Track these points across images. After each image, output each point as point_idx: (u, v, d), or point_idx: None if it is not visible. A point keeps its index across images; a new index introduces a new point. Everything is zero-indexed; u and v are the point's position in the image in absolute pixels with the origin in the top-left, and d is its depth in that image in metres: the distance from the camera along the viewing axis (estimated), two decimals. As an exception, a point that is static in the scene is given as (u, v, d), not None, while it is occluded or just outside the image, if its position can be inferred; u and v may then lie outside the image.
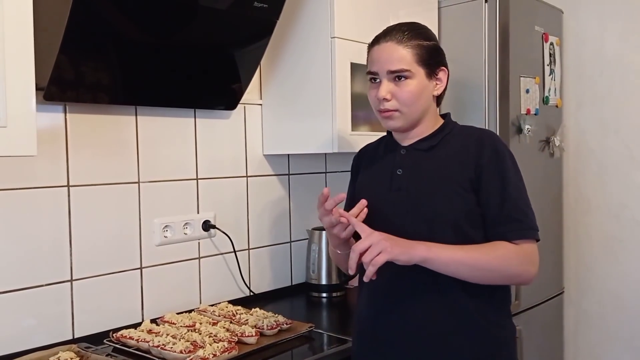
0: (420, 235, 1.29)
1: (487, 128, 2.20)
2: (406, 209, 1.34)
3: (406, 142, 1.41)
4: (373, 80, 1.37)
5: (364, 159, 1.53)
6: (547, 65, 2.50)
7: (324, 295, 2.17)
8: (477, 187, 1.31)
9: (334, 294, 2.18)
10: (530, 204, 1.34)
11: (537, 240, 1.32)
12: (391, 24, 1.40)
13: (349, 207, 1.53)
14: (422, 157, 1.37)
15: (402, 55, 1.32)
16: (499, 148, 1.33)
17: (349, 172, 1.59)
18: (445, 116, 1.45)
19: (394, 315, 1.34)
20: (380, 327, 1.37)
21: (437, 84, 1.38)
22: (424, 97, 1.35)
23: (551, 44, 2.52)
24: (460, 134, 1.39)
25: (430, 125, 1.40)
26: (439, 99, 1.42)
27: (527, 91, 2.35)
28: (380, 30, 1.39)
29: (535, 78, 2.40)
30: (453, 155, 1.34)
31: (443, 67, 1.39)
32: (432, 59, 1.35)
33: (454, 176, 1.32)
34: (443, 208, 1.31)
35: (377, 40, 1.37)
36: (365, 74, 1.42)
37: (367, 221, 1.40)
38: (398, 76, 1.32)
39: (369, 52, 1.39)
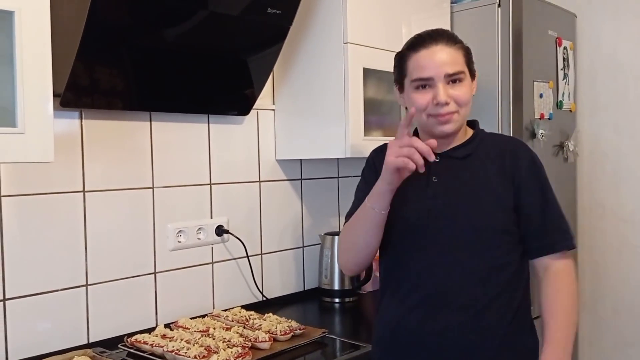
0: (455, 244, 1.29)
1: (501, 133, 2.20)
2: (442, 218, 1.32)
3: (438, 149, 1.35)
4: (422, 87, 1.32)
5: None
6: (561, 69, 2.49)
7: (337, 300, 2.17)
8: (516, 200, 1.31)
9: (347, 300, 2.17)
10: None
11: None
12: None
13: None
14: (457, 165, 1.36)
15: (456, 57, 1.32)
16: (535, 160, 1.36)
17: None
18: (474, 123, 1.43)
19: (416, 322, 1.33)
20: (402, 333, 1.36)
21: (473, 86, 1.39)
22: (471, 98, 1.36)
23: (565, 48, 2.51)
24: (492, 142, 1.39)
25: (463, 130, 1.39)
26: None
27: (541, 96, 2.34)
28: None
29: (548, 82, 2.39)
30: (489, 166, 1.34)
31: (475, 70, 1.40)
32: (472, 60, 1.38)
33: (492, 188, 1.32)
34: (481, 219, 1.30)
35: (422, 44, 1.32)
36: (389, 79, 1.41)
37: (400, 228, 1.38)
38: (455, 78, 1.31)
39: (410, 57, 1.34)
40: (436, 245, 1.32)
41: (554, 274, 1.33)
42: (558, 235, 1.34)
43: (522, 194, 1.32)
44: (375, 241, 1.38)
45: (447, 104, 1.30)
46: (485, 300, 1.29)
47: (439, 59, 1.30)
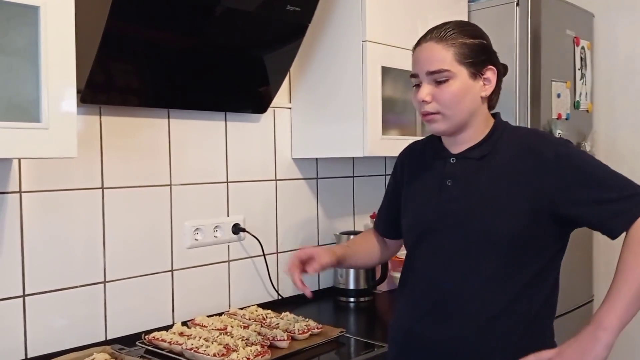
0: (468, 249, 1.25)
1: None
2: (456, 223, 1.27)
3: (455, 149, 1.32)
4: (416, 85, 1.30)
5: (410, 161, 1.46)
6: (578, 69, 2.47)
7: (352, 300, 2.16)
8: (553, 202, 1.21)
9: (362, 299, 2.16)
10: (622, 174, 1.22)
11: None
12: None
13: (386, 208, 1.54)
14: (473, 166, 1.28)
15: (441, 55, 1.24)
16: (560, 151, 1.23)
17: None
18: (495, 116, 1.35)
19: (427, 330, 1.30)
20: (413, 339, 1.33)
21: (484, 85, 1.27)
22: (469, 98, 1.26)
23: (582, 47, 2.49)
24: (511, 140, 1.29)
25: (480, 129, 1.31)
26: (490, 101, 1.32)
27: (558, 96, 2.32)
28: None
29: (566, 82, 2.37)
30: (507, 168, 1.25)
31: (491, 67, 1.28)
32: (477, 57, 1.26)
33: (509, 192, 1.23)
34: (496, 226, 1.23)
35: (419, 40, 1.30)
36: (408, 78, 1.36)
37: (414, 235, 1.37)
38: (438, 77, 1.25)
39: (412, 54, 1.32)
40: (449, 251, 1.28)
41: (629, 236, 1.19)
42: (625, 206, 1.18)
43: (559, 194, 1.20)
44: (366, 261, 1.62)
45: (424, 102, 1.26)
46: (498, 308, 1.24)
47: (424, 56, 1.27)
